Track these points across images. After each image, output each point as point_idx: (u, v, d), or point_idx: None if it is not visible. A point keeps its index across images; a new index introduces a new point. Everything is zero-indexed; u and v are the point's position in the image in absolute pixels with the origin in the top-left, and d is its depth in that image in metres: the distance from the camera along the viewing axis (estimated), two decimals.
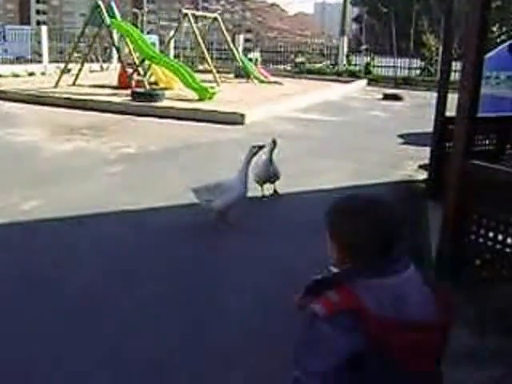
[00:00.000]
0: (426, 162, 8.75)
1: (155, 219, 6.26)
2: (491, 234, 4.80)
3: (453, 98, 6.25)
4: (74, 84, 16.80)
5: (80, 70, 17.16)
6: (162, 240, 5.71)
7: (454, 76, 13.27)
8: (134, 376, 3.58)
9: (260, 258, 5.34)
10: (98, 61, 24.48)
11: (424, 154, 9.47)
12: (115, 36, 17.25)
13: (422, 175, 8.62)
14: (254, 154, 6.19)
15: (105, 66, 24.47)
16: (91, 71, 21.29)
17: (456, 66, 13.74)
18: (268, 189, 7.33)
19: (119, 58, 18.01)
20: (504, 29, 23.64)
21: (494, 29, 21.43)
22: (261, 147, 6.30)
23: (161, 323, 4.18)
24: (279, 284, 4.68)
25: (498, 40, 18.84)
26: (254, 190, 6.89)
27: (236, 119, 12.64)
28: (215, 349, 3.87)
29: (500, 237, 4.74)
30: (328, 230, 2.01)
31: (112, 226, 6.03)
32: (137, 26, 22.06)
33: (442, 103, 7.55)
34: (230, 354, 3.81)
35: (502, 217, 4.68)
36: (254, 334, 4.07)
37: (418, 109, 15.70)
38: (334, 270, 1.99)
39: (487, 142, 7.83)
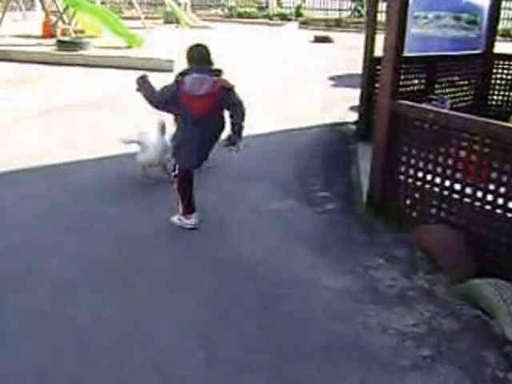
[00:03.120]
0: (357, 103, 8.72)
1: (81, 173, 6.01)
2: (420, 174, 4.81)
3: (381, 39, 6.19)
4: None
5: (1, 19, 16.22)
6: (88, 195, 5.49)
7: (381, 16, 13.16)
8: None
9: None
10: (20, 9, 23.20)
11: (354, 95, 9.43)
12: None
13: (353, 117, 8.59)
14: None
15: (28, 14, 23.20)
16: (14, 20, 20.14)
17: (382, 6, 13.63)
18: None
19: (42, 5, 17.10)
20: None
21: None
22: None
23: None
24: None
25: None
26: None
27: (165, 66, 12.22)
28: None
29: (429, 177, 4.75)
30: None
31: (37, 182, 5.75)
32: None
33: (369, 43, 7.47)
34: None
35: (431, 156, 4.68)
36: None
37: (348, 51, 15.57)
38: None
39: (416, 81, 7.82)
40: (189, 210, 4.86)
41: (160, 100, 4.65)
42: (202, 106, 4.55)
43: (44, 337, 3.40)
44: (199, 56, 4.67)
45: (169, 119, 5.48)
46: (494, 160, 4.24)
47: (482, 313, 3.64)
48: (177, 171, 4.84)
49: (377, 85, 7.53)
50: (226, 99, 4.64)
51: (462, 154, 4.49)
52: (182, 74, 4.60)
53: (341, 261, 4.38)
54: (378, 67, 7.48)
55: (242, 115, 4.74)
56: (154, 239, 4.68)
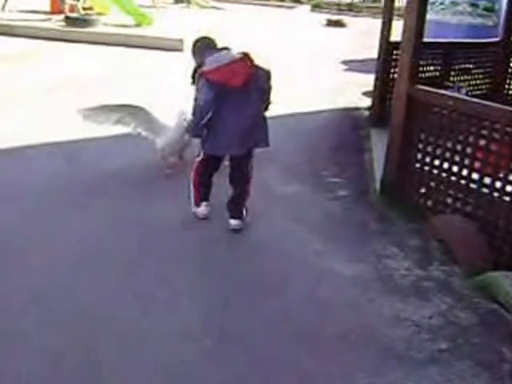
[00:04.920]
0: (370, 88, 8.57)
1: (86, 151, 5.88)
2: (437, 162, 4.68)
3: (397, 26, 6.04)
4: (2, 9, 15.69)
5: None
6: (96, 174, 5.36)
7: (399, 2, 12.96)
8: None
9: None
10: None
11: (367, 80, 9.26)
12: None
13: (366, 102, 8.45)
14: None
15: None
16: None
17: None
18: None
19: None
20: None
21: None
22: None
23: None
24: None
25: None
26: None
27: (175, 45, 12.05)
28: None
29: (446, 165, 4.62)
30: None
31: (44, 158, 5.63)
32: None
33: (386, 28, 7.31)
34: None
35: (449, 144, 4.55)
36: None
37: (361, 35, 15.38)
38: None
39: (431, 68, 7.66)
40: (197, 200, 4.59)
41: (205, 108, 4.12)
42: (236, 72, 4.11)
43: None
44: (211, 44, 4.39)
45: None
46: None
47: (499, 307, 3.54)
48: (201, 158, 4.45)
49: (392, 70, 7.47)
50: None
51: (482, 142, 4.36)
52: (196, 69, 4.31)
53: (353, 248, 4.27)
54: (395, 52, 7.41)
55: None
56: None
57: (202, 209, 4.58)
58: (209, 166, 4.49)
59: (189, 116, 4.73)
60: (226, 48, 4.30)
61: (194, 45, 4.45)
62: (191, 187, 4.55)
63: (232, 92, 4.11)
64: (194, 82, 4.34)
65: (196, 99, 4.23)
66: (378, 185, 5.42)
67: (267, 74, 4.34)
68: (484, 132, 4.31)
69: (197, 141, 4.53)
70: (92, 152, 5.81)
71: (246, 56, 4.20)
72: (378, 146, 6.70)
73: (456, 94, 4.86)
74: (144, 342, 3.12)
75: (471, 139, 4.40)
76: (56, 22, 13.93)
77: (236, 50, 4.25)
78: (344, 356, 3.09)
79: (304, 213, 4.83)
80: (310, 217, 4.77)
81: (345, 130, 7.16)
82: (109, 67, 9.90)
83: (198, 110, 4.21)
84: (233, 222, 4.43)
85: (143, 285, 3.67)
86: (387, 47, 7.31)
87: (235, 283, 3.76)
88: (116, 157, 5.68)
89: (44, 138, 6.05)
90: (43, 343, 3.05)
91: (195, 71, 4.31)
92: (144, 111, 5.30)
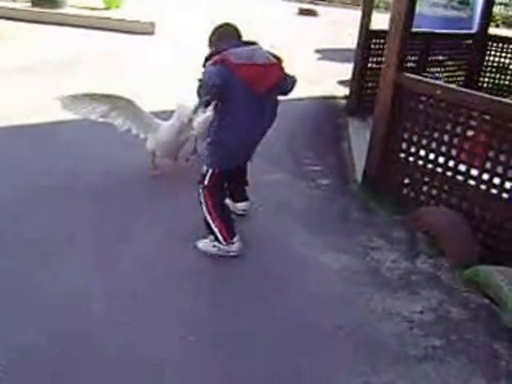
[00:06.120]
0: (345, 78, 8.46)
1: (52, 134, 5.62)
2: (422, 153, 4.58)
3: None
4: None
5: None
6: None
7: None
8: None
9: None
10: None
11: (341, 69, 9.18)
12: None
13: (342, 91, 8.33)
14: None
15: None
16: None
17: None
18: None
19: None
20: None
21: None
22: None
23: None
24: None
25: None
26: None
27: (146, 28, 11.75)
28: None
29: (432, 155, 4.52)
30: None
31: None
32: None
33: (366, 17, 7.18)
34: None
35: (435, 134, 4.45)
36: None
37: (334, 25, 15.27)
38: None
39: (409, 58, 7.57)
40: (230, 232, 3.72)
41: (211, 91, 3.45)
42: (267, 77, 3.52)
43: None
44: (234, 33, 3.70)
45: None
46: (504, 142, 4.02)
47: (489, 301, 3.45)
48: (209, 177, 3.69)
49: (371, 59, 7.38)
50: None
51: (470, 133, 4.27)
52: (214, 54, 3.57)
53: (339, 240, 4.14)
54: (374, 41, 7.32)
55: None
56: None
57: (237, 245, 3.74)
58: (222, 183, 3.84)
59: (190, 114, 4.21)
60: (253, 43, 3.65)
61: (214, 32, 3.75)
62: (212, 225, 3.68)
63: (254, 97, 3.49)
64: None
65: (205, 80, 3.47)
66: (358, 174, 5.32)
67: (293, 84, 3.87)
68: (473, 123, 4.22)
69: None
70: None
71: (279, 60, 3.68)
72: (356, 135, 6.62)
73: (443, 83, 4.75)
74: None
75: (459, 130, 4.31)
76: (22, 3, 13.47)
77: (266, 49, 3.68)
78: (337, 353, 2.96)
79: (287, 202, 4.68)
80: (294, 206, 4.62)
81: (323, 119, 7.04)
82: (79, 50, 9.49)
83: (205, 91, 3.47)
84: (240, 205, 4.23)
85: None
86: (366, 36, 7.20)
87: (221, 279, 3.60)
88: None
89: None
90: None
91: (207, 60, 3.61)
92: (132, 104, 4.64)
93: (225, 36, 3.67)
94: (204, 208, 3.70)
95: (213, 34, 3.75)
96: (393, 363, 2.88)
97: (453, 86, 4.59)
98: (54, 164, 4.94)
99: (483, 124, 4.14)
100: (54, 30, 11.25)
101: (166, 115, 4.96)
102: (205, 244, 3.76)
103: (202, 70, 3.55)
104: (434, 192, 4.50)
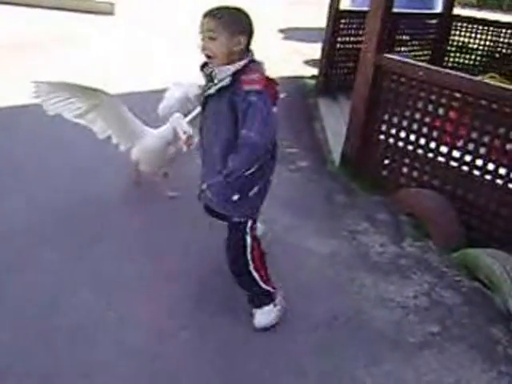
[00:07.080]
0: (311, 57, 8.37)
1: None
2: (403, 134, 4.52)
3: None
4: None
5: None
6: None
7: None
8: None
9: None
10: None
11: (307, 49, 9.09)
12: None
13: (309, 71, 8.24)
14: None
15: None
16: None
17: None
18: None
19: None
20: None
21: None
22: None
23: None
24: None
25: None
26: None
27: (106, 8, 11.36)
28: None
29: (412, 137, 4.47)
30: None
31: None
32: None
33: None
34: None
35: (417, 116, 4.39)
36: None
37: (297, 4, 15.13)
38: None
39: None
40: (272, 285, 2.94)
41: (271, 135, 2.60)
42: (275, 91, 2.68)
43: None
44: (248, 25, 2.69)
45: None
46: (488, 123, 3.99)
47: (481, 285, 3.43)
48: (250, 226, 2.83)
49: (340, 39, 7.30)
50: None
51: (452, 114, 4.23)
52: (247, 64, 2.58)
53: (324, 224, 4.05)
54: (343, 21, 7.23)
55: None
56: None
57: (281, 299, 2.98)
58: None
59: (186, 128, 3.55)
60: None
61: (240, 19, 2.66)
62: (260, 283, 2.85)
63: None
64: (210, 79, 2.67)
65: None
66: (335, 155, 5.25)
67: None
68: (455, 104, 4.18)
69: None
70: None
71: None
72: (328, 114, 6.55)
73: (425, 64, 4.68)
74: None
75: (441, 111, 4.26)
76: None
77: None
78: (336, 343, 2.87)
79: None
80: (277, 189, 4.49)
81: (293, 100, 6.90)
82: (37, 32, 8.99)
83: (253, 149, 2.51)
84: None
85: None
86: (335, 16, 7.11)
87: (212, 268, 3.44)
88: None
89: None
90: None
91: (235, 74, 2.54)
92: (115, 103, 3.85)
93: (248, 31, 2.64)
94: (251, 266, 2.82)
95: (236, 21, 2.59)
96: (393, 352, 2.82)
97: (436, 67, 4.49)
98: None
99: (465, 105, 4.10)
100: (7, 11, 10.64)
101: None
102: (266, 315, 2.91)
103: (201, 74, 2.72)
104: (415, 174, 4.46)
